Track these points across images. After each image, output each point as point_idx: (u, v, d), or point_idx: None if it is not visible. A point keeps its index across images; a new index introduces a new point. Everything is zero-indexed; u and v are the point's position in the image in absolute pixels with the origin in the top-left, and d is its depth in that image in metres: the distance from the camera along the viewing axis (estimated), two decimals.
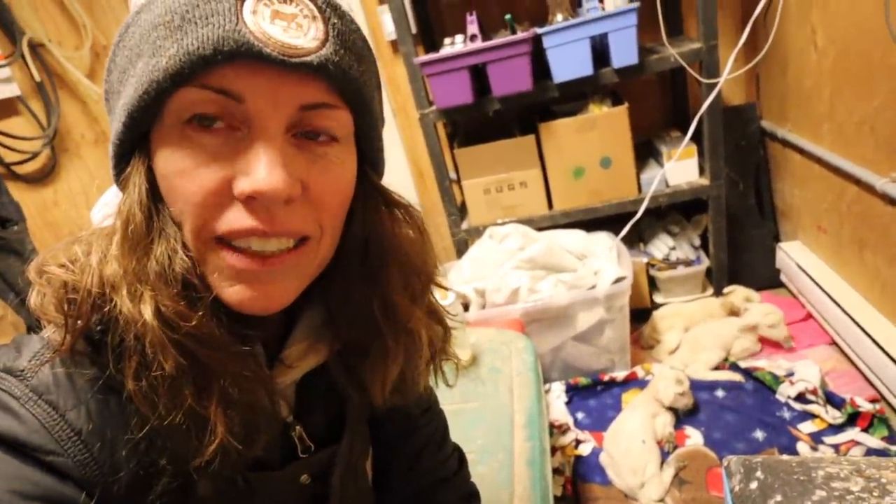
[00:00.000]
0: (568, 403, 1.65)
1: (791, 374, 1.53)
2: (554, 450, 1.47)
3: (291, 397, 0.50)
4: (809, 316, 1.73)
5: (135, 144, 0.39)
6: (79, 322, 0.39)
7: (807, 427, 1.39)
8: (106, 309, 0.38)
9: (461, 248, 1.90)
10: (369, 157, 0.46)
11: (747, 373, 1.59)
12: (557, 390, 1.67)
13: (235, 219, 0.38)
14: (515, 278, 1.64)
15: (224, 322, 0.40)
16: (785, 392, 1.47)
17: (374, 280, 0.47)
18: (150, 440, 0.40)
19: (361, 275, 0.47)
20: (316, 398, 0.52)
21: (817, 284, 1.61)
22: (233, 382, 0.40)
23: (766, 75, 1.83)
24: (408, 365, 0.51)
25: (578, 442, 1.51)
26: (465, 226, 1.90)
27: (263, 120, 0.37)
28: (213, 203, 0.37)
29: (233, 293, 0.39)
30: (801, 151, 1.66)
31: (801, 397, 1.45)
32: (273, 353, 0.47)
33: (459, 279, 1.72)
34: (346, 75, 0.38)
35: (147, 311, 0.36)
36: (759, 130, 1.88)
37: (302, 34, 0.36)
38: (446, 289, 0.57)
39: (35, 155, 1.67)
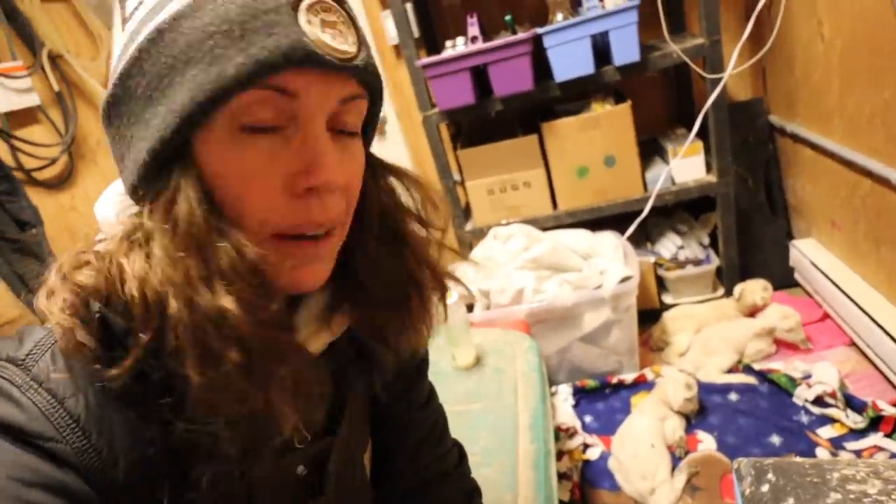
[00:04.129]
0: (575, 406, 1.62)
1: (808, 377, 1.47)
2: (561, 454, 1.44)
3: None
4: (826, 316, 1.68)
5: (176, 153, 0.39)
6: (142, 336, 0.38)
7: (826, 432, 1.33)
8: (159, 312, 0.38)
9: (465, 249, 1.89)
10: (368, 136, 0.50)
11: (762, 375, 1.54)
12: (564, 393, 1.64)
13: (295, 213, 0.41)
14: (520, 279, 1.63)
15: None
16: (802, 395, 1.42)
17: (395, 248, 0.51)
18: (182, 434, 0.40)
19: (382, 244, 0.51)
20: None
21: (833, 283, 1.56)
22: (295, 366, 0.41)
23: (773, 69, 1.79)
24: (420, 319, 0.53)
25: (586, 446, 1.48)
26: (469, 227, 1.90)
27: (313, 115, 0.40)
28: (272, 198, 0.40)
29: (291, 276, 0.43)
30: (812, 146, 1.62)
31: (819, 401, 1.39)
32: None
33: (463, 280, 1.71)
34: (373, 74, 0.44)
35: (230, 303, 0.37)
36: (768, 125, 1.84)
37: (345, 40, 0.40)
38: (456, 252, 0.59)
39: (53, 161, 1.72)
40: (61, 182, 1.77)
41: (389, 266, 0.51)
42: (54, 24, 1.80)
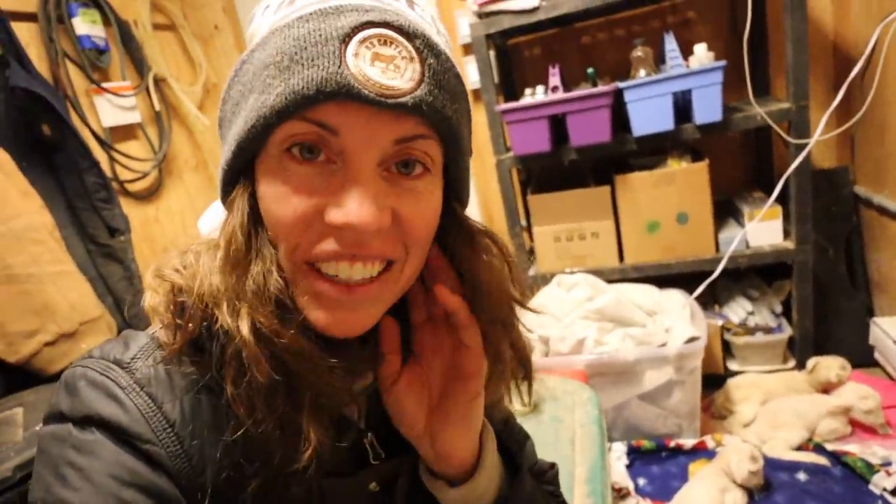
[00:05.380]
0: (629, 467, 1.56)
1: (888, 464, 1.38)
2: None
3: (364, 405, 0.51)
4: None
5: (241, 171, 0.42)
6: (190, 325, 0.41)
7: None
8: (213, 317, 0.41)
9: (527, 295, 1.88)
10: (455, 189, 0.48)
11: (835, 457, 1.45)
12: (618, 451, 1.59)
13: (326, 243, 0.40)
14: (582, 328, 1.61)
15: (313, 337, 0.41)
16: (880, 483, 1.33)
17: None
18: (241, 442, 0.41)
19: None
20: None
21: None
22: (323, 393, 0.42)
23: (862, 139, 1.75)
24: (492, 388, 0.51)
25: None
26: (532, 272, 1.89)
27: (357, 153, 0.39)
28: (305, 227, 0.40)
29: (318, 317, 0.41)
30: None
31: None
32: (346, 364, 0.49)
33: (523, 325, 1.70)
34: (437, 113, 0.40)
35: (244, 327, 0.39)
36: (853, 196, 1.78)
37: (399, 75, 0.38)
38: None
39: (145, 175, 1.84)
40: (149, 195, 1.89)
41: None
42: (162, 50, 1.95)
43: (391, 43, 0.38)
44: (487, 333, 0.49)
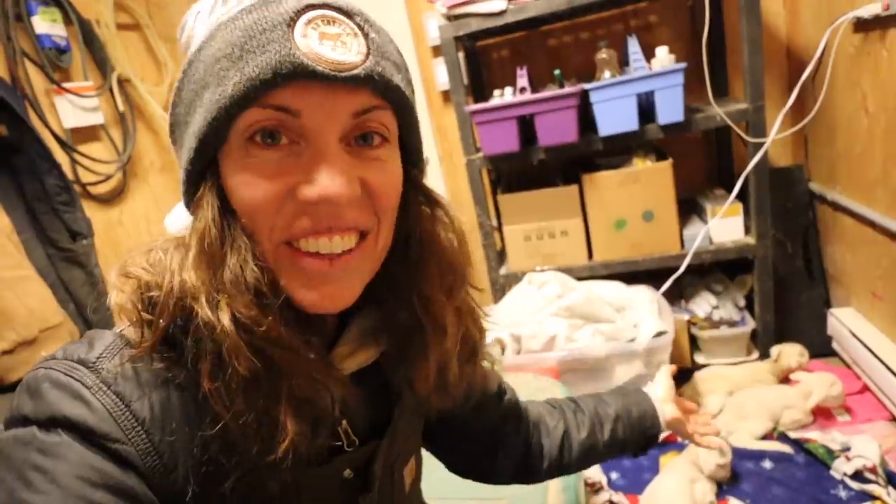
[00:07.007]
0: None
1: (847, 450, 1.43)
2: None
3: (338, 391, 0.51)
4: (866, 388, 1.63)
5: (205, 167, 0.43)
6: (161, 321, 0.41)
7: None
8: (189, 311, 0.40)
9: (499, 293, 1.90)
10: (411, 156, 0.50)
11: (798, 444, 1.49)
12: None
13: (301, 221, 0.41)
14: (553, 325, 1.63)
15: (293, 324, 0.42)
16: (840, 468, 1.37)
17: (414, 274, 0.50)
18: (218, 437, 0.41)
19: (403, 269, 0.50)
20: (362, 394, 0.52)
21: (874, 355, 1.53)
22: (302, 383, 0.42)
23: (815, 138, 1.82)
24: (444, 361, 0.52)
25: (612, 503, 1.44)
26: (503, 271, 1.91)
27: (319, 131, 0.40)
28: (278, 208, 0.41)
29: (304, 295, 0.43)
30: (853, 215, 1.62)
31: (858, 475, 1.35)
32: (322, 353, 0.49)
33: (495, 323, 1.72)
34: (388, 82, 0.42)
35: (224, 318, 0.39)
36: (808, 192, 1.85)
37: (347, 50, 0.40)
38: (479, 290, 0.58)
39: (108, 177, 1.79)
40: (113, 198, 1.84)
41: (401, 295, 0.50)
42: (126, 50, 1.91)
43: (334, 22, 0.40)
44: (433, 299, 0.50)
